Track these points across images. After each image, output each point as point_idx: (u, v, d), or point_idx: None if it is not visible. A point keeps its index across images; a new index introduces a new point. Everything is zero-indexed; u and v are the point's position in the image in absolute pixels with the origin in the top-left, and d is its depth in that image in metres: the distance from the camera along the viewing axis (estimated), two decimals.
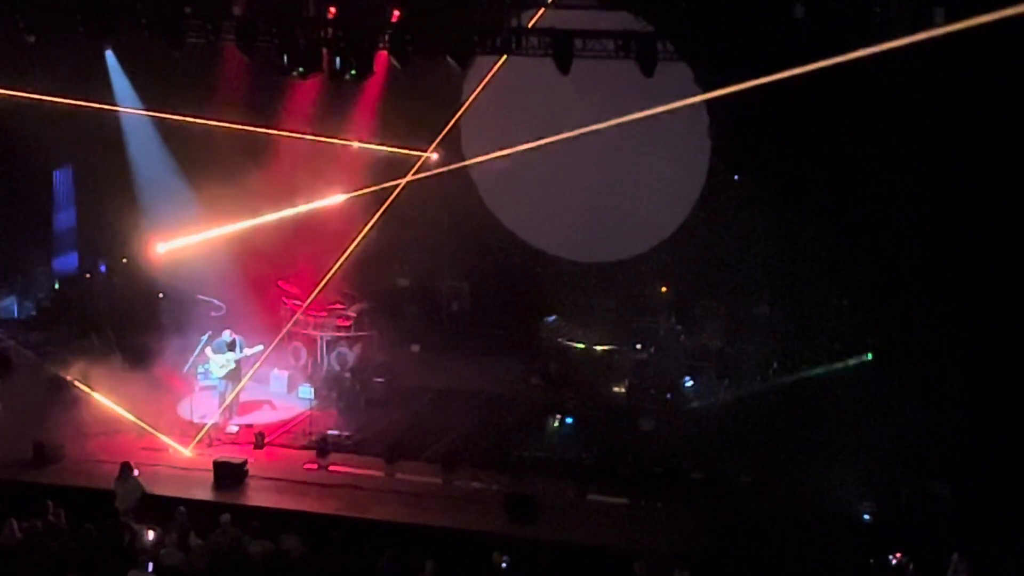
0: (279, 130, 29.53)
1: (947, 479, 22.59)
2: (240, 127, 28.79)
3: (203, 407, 27.05)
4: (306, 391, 27.81)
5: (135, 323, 29.85)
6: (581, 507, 23.53)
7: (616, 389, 28.23)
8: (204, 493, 23.70)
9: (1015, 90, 22.74)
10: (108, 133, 30.21)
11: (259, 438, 26.01)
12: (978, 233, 24.47)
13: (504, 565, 19.70)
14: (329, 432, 26.15)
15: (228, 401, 26.87)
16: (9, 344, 28.71)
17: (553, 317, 30.94)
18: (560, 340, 30.37)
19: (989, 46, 19.67)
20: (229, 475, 24.10)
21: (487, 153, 26.04)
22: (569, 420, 26.36)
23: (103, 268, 34.08)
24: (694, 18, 22.63)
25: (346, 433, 26.25)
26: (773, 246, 27.27)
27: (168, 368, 28.35)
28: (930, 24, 19.42)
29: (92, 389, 26.21)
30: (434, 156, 28.56)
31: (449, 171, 27.66)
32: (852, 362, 26.65)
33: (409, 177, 27.59)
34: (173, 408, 27.54)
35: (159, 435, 25.66)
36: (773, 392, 26.81)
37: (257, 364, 27.54)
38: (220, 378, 26.91)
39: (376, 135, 30.35)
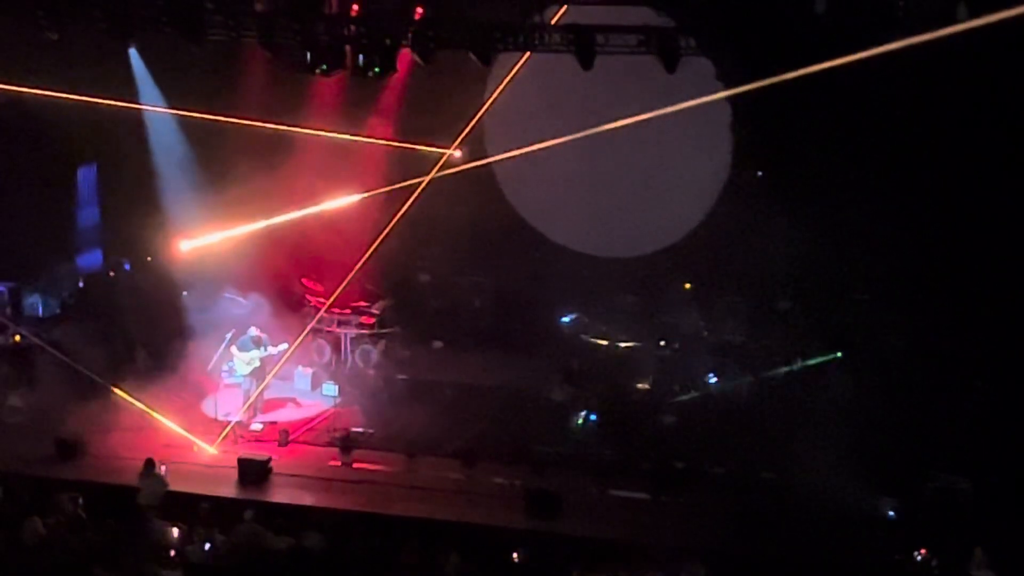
0: (302, 127, 29.54)
1: (969, 473, 22.55)
2: (263, 125, 28.81)
3: (228, 405, 27.14)
4: (330, 388, 27.91)
5: (159, 321, 29.90)
6: (602, 502, 23.57)
7: (640, 386, 28.22)
8: (228, 490, 23.76)
9: None
10: (132, 131, 30.21)
11: (283, 435, 26.10)
12: (1005, 229, 24.44)
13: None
14: (352, 429, 26.24)
15: (253, 399, 26.96)
16: (34, 341, 28.76)
17: (569, 317, 30.99)
18: (583, 336, 30.37)
19: (1014, 42, 19.64)
20: (253, 472, 24.17)
21: (510, 149, 25.99)
22: (592, 417, 26.37)
23: (127, 266, 34.21)
24: (716, 13, 22.61)
25: (369, 430, 26.34)
26: (795, 241, 27.19)
27: (193, 366, 28.45)
28: (953, 20, 19.34)
29: (116, 386, 26.34)
30: (457, 154, 28.55)
31: (471, 167, 27.64)
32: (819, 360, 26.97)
33: (433, 175, 27.58)
34: (198, 406, 27.65)
35: (184, 432, 25.74)
36: (794, 387, 26.82)
37: (282, 362, 27.60)
38: (245, 376, 27.01)
39: (399, 132, 30.39)
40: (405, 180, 27.55)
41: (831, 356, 27.36)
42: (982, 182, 24.22)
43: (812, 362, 27.40)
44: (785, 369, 27.36)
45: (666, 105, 22.31)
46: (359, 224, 28.61)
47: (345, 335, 29.91)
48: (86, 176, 34.08)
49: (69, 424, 25.32)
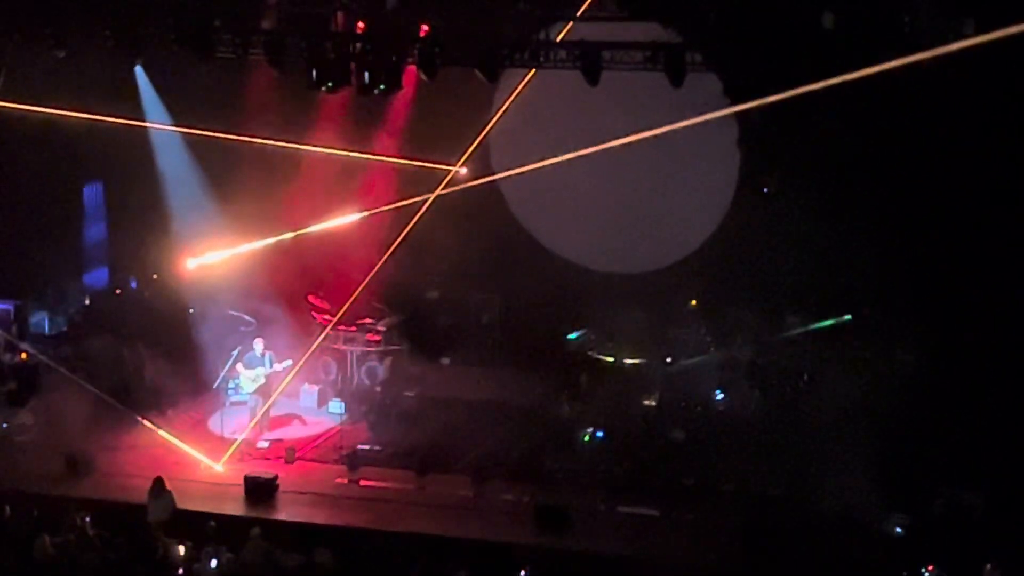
0: (308, 145, 29.56)
1: (979, 488, 22.49)
2: (269, 142, 28.84)
3: (234, 422, 27.10)
4: (336, 406, 27.90)
5: (166, 339, 29.86)
6: (612, 519, 23.51)
7: (647, 402, 28.15)
8: (235, 508, 23.69)
9: None
10: (138, 148, 30.21)
11: (290, 453, 26.01)
12: (1018, 242, 24.43)
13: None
14: (359, 446, 26.21)
15: (259, 416, 26.92)
16: (40, 359, 28.75)
17: (576, 334, 30.92)
18: (590, 353, 30.32)
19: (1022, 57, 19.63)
20: (260, 490, 24.10)
21: (516, 166, 25.95)
22: (599, 434, 26.32)
23: (134, 283, 34.21)
24: (722, 29, 22.58)
25: (376, 447, 26.31)
26: (802, 257, 27.24)
27: (199, 383, 28.42)
28: (960, 35, 19.33)
29: (123, 404, 26.33)
30: (463, 170, 28.56)
31: (478, 184, 27.62)
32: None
33: (438, 192, 27.60)
34: (204, 423, 27.64)
35: (190, 450, 25.71)
36: (803, 402, 26.76)
37: (288, 379, 27.57)
38: (250, 393, 26.97)
39: (405, 149, 30.40)
40: (411, 197, 27.57)
41: (841, 319, 27.56)
42: (993, 196, 24.22)
43: (823, 325, 27.61)
44: (794, 332, 27.68)
45: (673, 121, 22.28)
46: (365, 241, 28.63)
47: (351, 352, 29.86)
48: (92, 193, 34.12)
49: (77, 442, 25.28)
